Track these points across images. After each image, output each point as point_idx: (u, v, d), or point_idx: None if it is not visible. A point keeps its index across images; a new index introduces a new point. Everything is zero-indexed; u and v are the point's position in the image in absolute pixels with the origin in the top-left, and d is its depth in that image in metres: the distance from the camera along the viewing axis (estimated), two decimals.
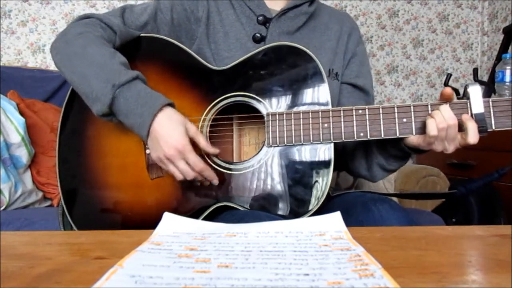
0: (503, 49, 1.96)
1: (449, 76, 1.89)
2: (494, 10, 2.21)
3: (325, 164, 0.75)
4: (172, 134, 0.70)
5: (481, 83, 1.89)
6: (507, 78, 1.69)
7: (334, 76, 0.92)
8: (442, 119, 0.69)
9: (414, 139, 0.74)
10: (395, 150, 0.81)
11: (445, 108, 0.70)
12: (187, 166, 0.72)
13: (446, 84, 1.85)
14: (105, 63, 0.74)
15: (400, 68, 2.26)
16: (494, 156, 1.57)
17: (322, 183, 0.74)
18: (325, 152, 0.75)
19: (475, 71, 1.96)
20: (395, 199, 1.53)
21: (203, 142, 0.74)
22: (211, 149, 0.75)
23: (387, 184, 1.63)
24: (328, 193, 0.75)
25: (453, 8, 2.26)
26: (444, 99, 0.73)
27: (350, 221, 0.58)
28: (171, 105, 0.74)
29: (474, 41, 2.28)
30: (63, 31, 0.83)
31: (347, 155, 0.93)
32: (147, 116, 0.70)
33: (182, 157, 0.71)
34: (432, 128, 0.70)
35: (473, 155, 1.70)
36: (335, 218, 0.56)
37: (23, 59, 1.96)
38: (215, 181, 0.75)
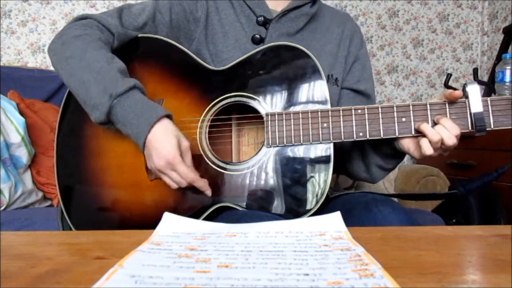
0: (503, 49, 1.96)
1: (449, 76, 1.89)
2: (494, 10, 2.21)
3: (324, 164, 0.75)
4: (165, 146, 0.70)
5: (481, 83, 1.89)
6: (507, 78, 1.69)
7: (333, 82, 0.90)
8: (439, 138, 0.69)
9: (407, 148, 0.76)
10: (390, 149, 0.81)
11: (445, 131, 0.70)
12: (179, 176, 0.72)
13: (446, 84, 1.85)
14: (103, 70, 0.73)
15: (400, 68, 2.26)
16: (494, 156, 1.57)
17: (322, 183, 0.74)
18: (325, 152, 0.75)
19: (475, 71, 1.96)
20: (395, 199, 1.53)
21: (188, 162, 0.73)
22: (192, 174, 0.73)
23: (387, 184, 1.63)
24: (327, 194, 0.75)
25: (453, 8, 2.26)
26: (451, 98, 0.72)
27: (351, 221, 0.58)
28: (168, 116, 0.73)
29: (474, 41, 2.28)
30: (60, 32, 0.82)
31: (345, 159, 0.92)
32: (143, 127, 0.70)
33: (172, 168, 0.71)
34: (427, 148, 0.70)
35: (473, 155, 1.70)
36: (335, 218, 0.56)
37: (23, 59, 1.96)
38: (208, 192, 0.75)
